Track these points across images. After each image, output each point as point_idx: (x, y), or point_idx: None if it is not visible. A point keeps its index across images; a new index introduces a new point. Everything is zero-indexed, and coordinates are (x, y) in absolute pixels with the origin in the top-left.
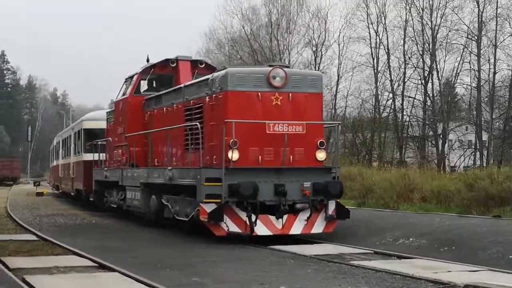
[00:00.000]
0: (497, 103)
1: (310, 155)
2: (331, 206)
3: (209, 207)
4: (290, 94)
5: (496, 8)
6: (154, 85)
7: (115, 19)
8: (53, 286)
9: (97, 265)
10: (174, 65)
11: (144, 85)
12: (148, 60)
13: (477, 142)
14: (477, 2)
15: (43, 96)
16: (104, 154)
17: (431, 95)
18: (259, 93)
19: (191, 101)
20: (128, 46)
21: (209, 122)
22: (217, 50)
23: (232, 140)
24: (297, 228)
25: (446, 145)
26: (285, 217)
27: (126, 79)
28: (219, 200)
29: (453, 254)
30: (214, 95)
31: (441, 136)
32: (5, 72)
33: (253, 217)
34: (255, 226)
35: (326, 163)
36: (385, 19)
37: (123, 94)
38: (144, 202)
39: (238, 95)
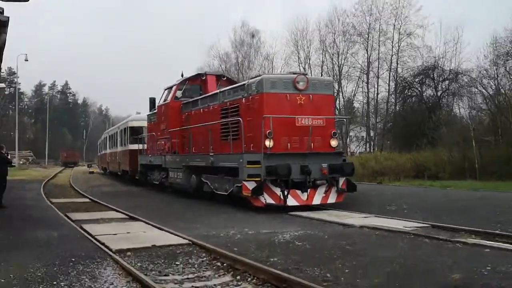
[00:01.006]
0: (379, 113)
1: (326, 142)
2: (341, 181)
3: (250, 185)
4: (311, 95)
5: (378, 54)
6: (186, 93)
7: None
8: (100, 230)
9: (128, 217)
10: (204, 78)
11: (179, 94)
12: (182, 75)
13: (367, 137)
14: (366, 50)
15: (93, 110)
16: (145, 144)
17: (338, 107)
18: (288, 95)
19: (228, 103)
20: (146, 75)
21: (246, 118)
22: None
23: (268, 131)
24: (317, 199)
25: (348, 139)
26: (308, 191)
27: (165, 89)
28: (258, 179)
29: (353, 207)
30: (250, 97)
31: (345, 133)
32: (68, 94)
33: (286, 192)
34: (287, 198)
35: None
36: (309, 60)
37: (164, 100)
38: (185, 180)
39: (272, 96)
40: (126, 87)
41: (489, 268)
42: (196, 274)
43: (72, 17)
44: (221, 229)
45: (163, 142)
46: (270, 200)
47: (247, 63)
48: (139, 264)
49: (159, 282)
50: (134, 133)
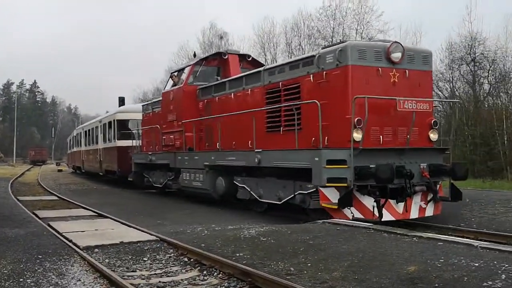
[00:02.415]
0: None
1: (423, 135)
2: (437, 187)
3: (330, 193)
4: (407, 71)
5: None
6: (200, 77)
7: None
8: (68, 228)
9: (96, 214)
10: (225, 57)
11: (191, 78)
12: (195, 55)
13: None
14: None
15: (62, 109)
16: (140, 140)
17: None
18: (379, 69)
19: (279, 83)
20: (117, 75)
21: (319, 101)
22: None
23: (358, 118)
24: (414, 212)
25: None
26: (405, 200)
27: (172, 72)
28: (344, 184)
29: None
30: (325, 72)
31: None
32: (37, 93)
33: (381, 203)
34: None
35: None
36: (275, 61)
37: (174, 85)
38: (209, 183)
39: (360, 70)
40: (95, 87)
41: (442, 260)
42: (163, 270)
43: (41, 16)
44: (188, 225)
45: (172, 136)
46: (358, 214)
47: None
48: (106, 261)
49: (127, 278)
50: (123, 127)
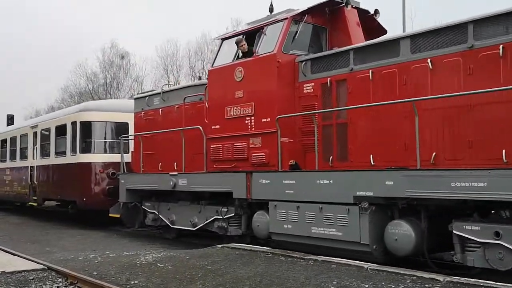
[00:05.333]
0: None
1: None
2: None
3: None
4: None
5: None
6: (296, 42)
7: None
8: None
9: None
10: (349, 9)
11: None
12: (271, 9)
13: None
14: None
15: None
16: (128, 154)
17: None
18: None
19: None
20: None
21: None
22: (69, 99)
23: None
24: None
25: None
26: None
27: (229, 37)
28: None
29: None
30: None
31: None
32: None
33: None
34: None
35: None
36: (179, 84)
37: (241, 56)
38: (369, 233)
39: None
40: None
41: (335, 282)
42: None
43: None
44: (80, 252)
45: (243, 144)
46: None
47: (115, 84)
48: None
49: None
50: (88, 133)
